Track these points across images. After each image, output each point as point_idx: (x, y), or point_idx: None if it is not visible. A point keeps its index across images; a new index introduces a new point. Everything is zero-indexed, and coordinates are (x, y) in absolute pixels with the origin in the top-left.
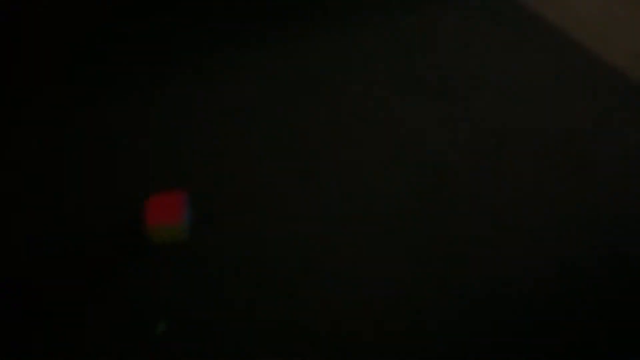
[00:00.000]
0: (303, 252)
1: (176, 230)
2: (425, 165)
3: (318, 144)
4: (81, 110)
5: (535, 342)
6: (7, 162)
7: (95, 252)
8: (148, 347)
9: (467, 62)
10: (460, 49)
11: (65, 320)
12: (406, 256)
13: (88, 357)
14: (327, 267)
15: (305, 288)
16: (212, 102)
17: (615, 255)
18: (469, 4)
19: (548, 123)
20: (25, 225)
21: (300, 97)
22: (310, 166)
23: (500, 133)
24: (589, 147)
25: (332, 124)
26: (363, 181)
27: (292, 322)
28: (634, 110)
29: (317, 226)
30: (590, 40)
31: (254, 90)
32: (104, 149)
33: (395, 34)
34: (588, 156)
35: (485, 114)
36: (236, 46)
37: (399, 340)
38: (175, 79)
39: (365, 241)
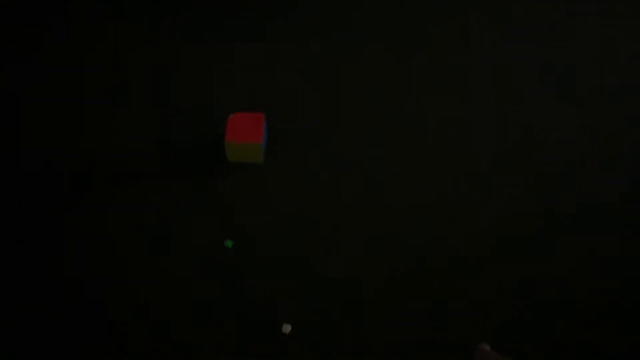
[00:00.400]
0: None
1: (253, 149)
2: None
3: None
4: (183, 39)
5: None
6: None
7: (175, 161)
8: (217, 260)
9: None
10: None
11: (135, 222)
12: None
13: (160, 263)
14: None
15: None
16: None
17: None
18: None
19: None
20: (121, 126)
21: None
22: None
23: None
24: None
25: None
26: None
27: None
28: None
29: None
30: None
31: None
32: (197, 70)
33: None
34: None
35: None
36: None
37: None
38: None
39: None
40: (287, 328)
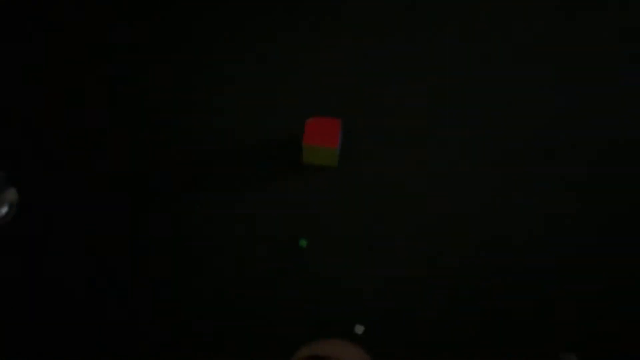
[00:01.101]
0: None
1: (328, 153)
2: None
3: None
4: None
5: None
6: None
7: (251, 161)
8: (292, 258)
9: None
10: None
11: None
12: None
13: (235, 261)
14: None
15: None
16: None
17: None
18: None
19: None
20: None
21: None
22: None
23: None
24: None
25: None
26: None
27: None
28: None
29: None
30: None
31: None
32: (277, 73)
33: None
34: None
35: None
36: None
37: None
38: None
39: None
40: (360, 329)
